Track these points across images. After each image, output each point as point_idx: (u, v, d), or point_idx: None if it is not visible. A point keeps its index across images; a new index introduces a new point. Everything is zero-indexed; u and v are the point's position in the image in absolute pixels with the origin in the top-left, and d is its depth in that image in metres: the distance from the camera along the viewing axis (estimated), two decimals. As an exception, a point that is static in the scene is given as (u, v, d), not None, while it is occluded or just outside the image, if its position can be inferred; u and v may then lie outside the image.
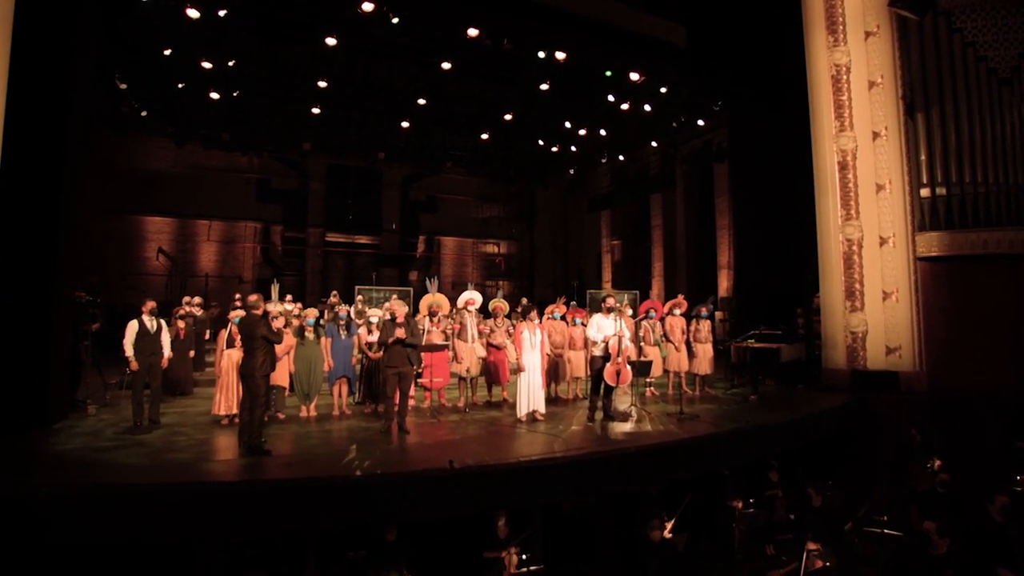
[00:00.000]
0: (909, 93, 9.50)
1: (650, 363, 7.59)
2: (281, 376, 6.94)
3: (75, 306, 7.31)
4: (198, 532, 4.41)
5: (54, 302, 6.48)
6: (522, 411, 6.84)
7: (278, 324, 5.78)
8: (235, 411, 6.56)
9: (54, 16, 6.50)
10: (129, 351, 6.36)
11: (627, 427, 6.75)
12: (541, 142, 17.22)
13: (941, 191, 9.25)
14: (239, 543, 5.01)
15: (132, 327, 6.44)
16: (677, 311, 9.01)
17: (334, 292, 12.58)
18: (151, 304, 6.70)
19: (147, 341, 6.49)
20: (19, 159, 5.88)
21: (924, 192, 9.35)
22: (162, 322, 6.81)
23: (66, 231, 6.71)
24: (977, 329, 8.89)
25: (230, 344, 6.74)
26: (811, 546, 5.01)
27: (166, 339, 6.77)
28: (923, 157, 9.40)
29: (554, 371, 8.30)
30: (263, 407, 5.55)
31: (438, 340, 7.46)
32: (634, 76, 12.06)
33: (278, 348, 5.90)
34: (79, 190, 7.16)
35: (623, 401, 7.86)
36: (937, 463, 6.79)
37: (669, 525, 5.59)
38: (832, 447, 8.14)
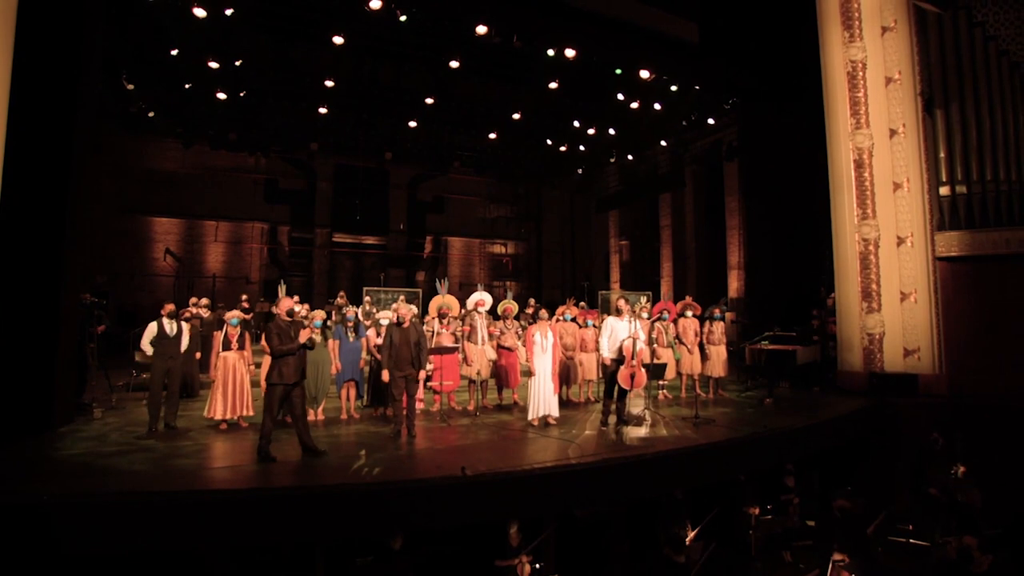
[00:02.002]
0: (928, 89, 9.29)
1: (665, 365, 7.44)
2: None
3: (81, 308, 7.24)
4: (203, 540, 4.30)
5: (60, 304, 6.39)
6: (534, 415, 6.71)
7: (305, 335, 5.43)
8: (230, 416, 6.45)
9: (60, 15, 6.41)
10: (148, 349, 6.34)
11: (642, 432, 6.60)
12: (549, 142, 17.06)
13: (961, 189, 9.02)
14: (246, 550, 4.91)
15: (151, 329, 6.42)
16: (690, 312, 8.84)
17: (341, 293, 12.37)
18: (169, 307, 6.67)
19: (165, 344, 6.43)
20: (25, 160, 5.81)
21: (944, 190, 9.13)
22: (183, 325, 6.73)
23: (73, 232, 6.62)
24: (1000, 331, 8.65)
25: (226, 346, 6.60)
26: (836, 557, 4.84)
27: (185, 342, 6.70)
28: (942, 154, 9.17)
29: (565, 374, 8.14)
30: (273, 415, 5.41)
31: (448, 342, 7.33)
32: (644, 74, 11.89)
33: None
34: (86, 191, 7.10)
35: (637, 405, 7.70)
36: (961, 469, 6.59)
37: (692, 534, 5.44)
38: (850, 452, 7.95)
